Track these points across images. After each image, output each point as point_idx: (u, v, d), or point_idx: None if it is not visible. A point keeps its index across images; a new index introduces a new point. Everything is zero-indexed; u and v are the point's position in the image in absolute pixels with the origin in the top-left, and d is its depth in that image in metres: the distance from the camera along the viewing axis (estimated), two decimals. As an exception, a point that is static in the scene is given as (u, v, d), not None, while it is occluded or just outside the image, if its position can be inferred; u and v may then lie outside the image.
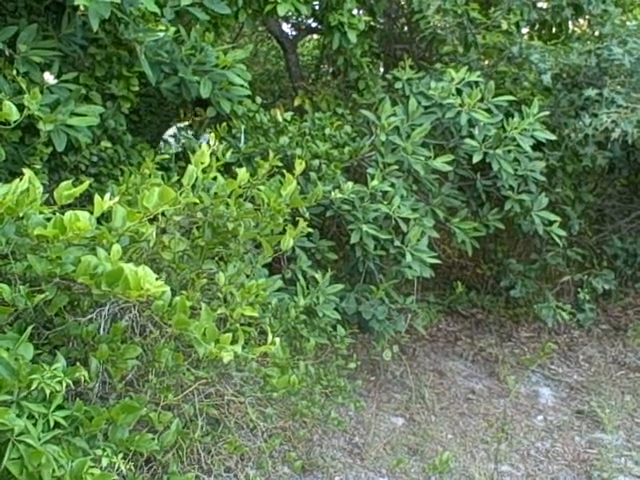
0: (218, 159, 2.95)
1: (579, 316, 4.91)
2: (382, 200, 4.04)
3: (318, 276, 3.57)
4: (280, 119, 4.36)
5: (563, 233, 4.50)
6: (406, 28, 6.80)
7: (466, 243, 4.42)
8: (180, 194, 2.69)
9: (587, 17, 5.30)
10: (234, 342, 2.34)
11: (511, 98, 4.48)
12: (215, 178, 2.87)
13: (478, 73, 4.45)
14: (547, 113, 4.45)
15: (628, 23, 5.16)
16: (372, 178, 4.03)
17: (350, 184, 3.84)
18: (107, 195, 2.26)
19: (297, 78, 6.49)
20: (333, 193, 3.49)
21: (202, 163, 2.59)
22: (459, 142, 4.33)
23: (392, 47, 6.64)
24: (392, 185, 4.07)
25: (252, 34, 8.45)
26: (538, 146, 4.60)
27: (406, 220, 4.04)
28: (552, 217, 4.48)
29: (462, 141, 4.29)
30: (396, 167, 4.14)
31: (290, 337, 3.49)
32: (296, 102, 5.36)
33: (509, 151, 4.25)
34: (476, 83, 4.40)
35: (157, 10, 3.38)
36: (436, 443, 3.91)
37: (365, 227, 3.92)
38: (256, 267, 3.25)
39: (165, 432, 2.52)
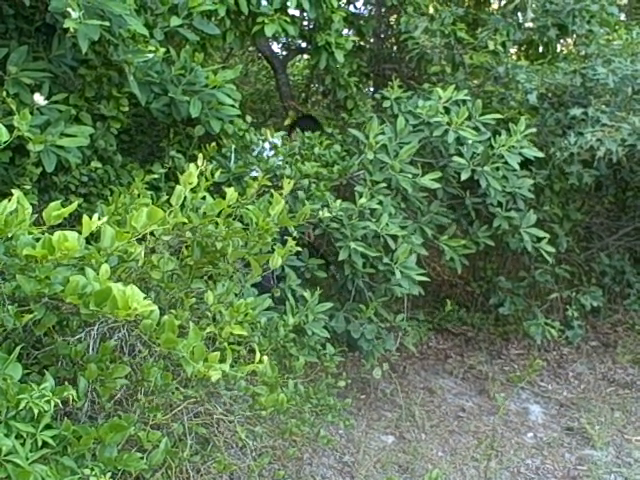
0: (207, 179, 2.97)
1: (568, 333, 4.94)
2: (370, 218, 4.05)
3: (307, 294, 3.59)
4: (270, 139, 4.39)
5: (552, 249, 4.52)
6: (395, 48, 6.89)
7: (455, 261, 4.43)
8: (169, 214, 2.72)
9: (573, 37, 5.38)
10: (222, 361, 2.35)
11: (498, 116, 4.53)
12: (204, 198, 2.89)
13: (465, 92, 4.50)
14: (534, 130, 4.48)
15: (615, 42, 5.24)
16: (360, 196, 4.04)
17: (338, 202, 3.86)
18: (95, 215, 2.27)
19: (287, 98, 6.54)
20: (321, 212, 3.50)
21: (190, 183, 2.61)
22: (447, 160, 4.36)
23: (381, 67, 6.72)
24: (380, 203, 4.07)
25: (242, 54, 8.53)
26: (525, 164, 4.65)
27: (394, 237, 4.04)
28: (541, 234, 4.50)
29: (450, 159, 4.31)
30: (384, 185, 4.15)
31: (280, 356, 3.49)
32: (286, 122, 5.40)
33: (497, 168, 4.27)
34: (463, 102, 4.45)
35: (146, 32, 3.41)
36: (426, 461, 3.92)
37: (353, 244, 3.93)
38: (245, 286, 3.26)
39: (154, 451, 2.52)
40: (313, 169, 4.05)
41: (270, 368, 2.97)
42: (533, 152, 4.40)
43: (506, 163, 4.27)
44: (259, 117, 7.20)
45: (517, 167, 4.30)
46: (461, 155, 4.29)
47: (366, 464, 3.81)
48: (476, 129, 4.35)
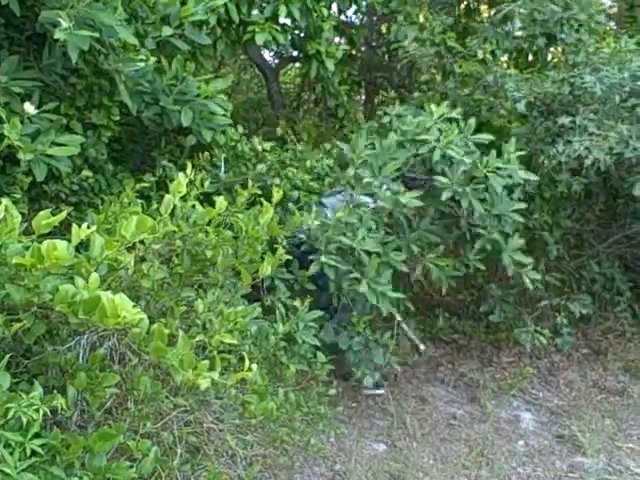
0: (197, 188, 2.99)
1: (557, 340, 4.95)
2: (346, 232, 3.96)
3: (297, 303, 3.60)
4: (259, 148, 4.40)
5: (537, 277, 4.41)
6: (386, 57, 6.93)
7: (442, 280, 4.36)
8: (158, 223, 2.73)
9: (561, 46, 5.41)
10: (211, 369, 2.36)
11: (489, 137, 4.37)
12: (194, 206, 2.90)
13: (459, 110, 4.43)
14: (521, 153, 4.38)
15: (605, 51, 5.27)
16: (339, 210, 3.99)
17: (314, 215, 3.79)
18: (84, 224, 2.28)
19: (279, 106, 6.58)
20: (310, 222, 3.52)
21: (179, 192, 2.62)
22: (432, 179, 4.25)
23: (372, 75, 6.77)
24: (360, 218, 4.01)
25: (234, 63, 8.55)
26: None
27: (369, 253, 3.96)
28: (525, 260, 4.36)
29: (434, 178, 4.19)
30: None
31: (270, 364, 3.50)
32: (279, 131, 5.42)
33: (484, 189, 4.16)
34: (456, 120, 4.36)
35: (136, 42, 3.43)
36: (417, 469, 3.92)
37: (324, 258, 3.84)
38: (235, 295, 3.27)
39: (143, 460, 2.52)
40: (305, 178, 4.06)
41: (260, 376, 2.98)
42: (522, 174, 4.28)
43: (491, 185, 4.14)
44: (251, 126, 7.21)
45: (499, 190, 4.15)
46: (445, 174, 4.16)
47: (357, 473, 3.81)
48: (467, 147, 4.25)
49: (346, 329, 4.16)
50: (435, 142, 4.16)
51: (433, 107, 4.37)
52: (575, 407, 4.70)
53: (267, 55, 7.03)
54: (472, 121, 4.36)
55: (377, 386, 4.56)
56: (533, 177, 4.34)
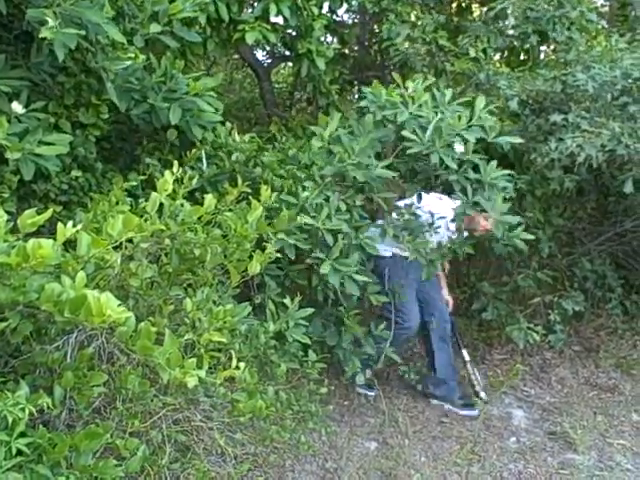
0: (185, 186, 2.98)
1: (550, 337, 4.95)
2: (310, 212, 3.81)
3: (287, 301, 3.58)
4: (237, 139, 4.34)
5: (530, 237, 4.19)
6: (379, 55, 6.92)
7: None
8: (146, 221, 2.72)
9: (553, 44, 5.41)
10: (199, 367, 2.35)
11: (466, 99, 4.14)
12: (182, 205, 2.89)
13: (433, 79, 4.28)
14: (493, 107, 4.19)
15: (597, 49, 5.27)
16: (304, 190, 3.86)
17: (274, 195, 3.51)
18: (69, 223, 2.27)
19: (271, 105, 6.56)
20: (299, 218, 3.49)
21: (165, 190, 2.61)
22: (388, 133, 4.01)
23: (364, 74, 6.74)
24: (327, 198, 3.88)
25: (227, 62, 8.54)
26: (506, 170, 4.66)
27: (334, 233, 3.82)
28: (513, 220, 4.02)
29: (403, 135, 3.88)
30: (330, 179, 3.94)
31: (261, 363, 3.49)
32: (272, 129, 5.41)
33: (449, 145, 3.84)
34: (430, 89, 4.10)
35: (124, 39, 3.41)
36: (409, 467, 3.92)
37: (282, 235, 3.60)
38: (225, 293, 3.26)
39: (131, 459, 2.51)
40: (289, 171, 4.00)
41: (249, 375, 2.97)
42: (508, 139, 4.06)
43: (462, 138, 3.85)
44: (244, 125, 7.20)
45: (472, 140, 3.87)
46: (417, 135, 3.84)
47: (349, 470, 3.81)
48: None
49: (335, 324, 4.14)
50: (403, 106, 3.94)
51: (409, 83, 4.13)
52: (567, 404, 4.71)
53: (260, 54, 7.03)
54: (449, 91, 4.11)
55: (370, 387, 4.60)
56: (518, 140, 4.17)
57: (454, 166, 3.80)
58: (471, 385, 4.70)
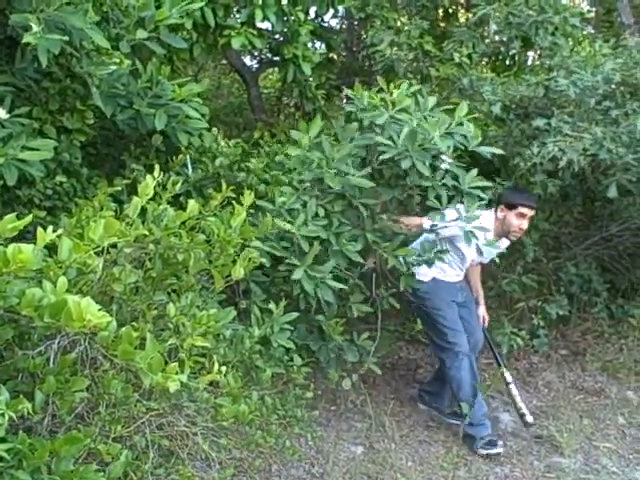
0: (169, 191, 2.98)
1: (534, 342, 4.98)
2: (286, 218, 3.75)
3: (272, 306, 3.58)
4: (222, 143, 4.36)
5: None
6: (366, 61, 6.96)
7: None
8: (129, 226, 2.72)
9: (537, 49, 5.46)
10: (181, 372, 2.35)
11: (449, 107, 4.05)
12: (165, 210, 2.89)
13: (419, 86, 4.27)
14: (476, 116, 4.21)
15: (583, 54, 5.31)
16: (281, 195, 3.81)
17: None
18: (50, 228, 2.26)
19: (259, 111, 6.58)
20: (282, 224, 3.49)
21: (147, 195, 2.62)
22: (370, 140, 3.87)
23: (352, 79, 6.76)
24: (304, 204, 3.82)
25: (215, 67, 8.56)
26: (491, 175, 4.69)
27: (311, 239, 3.76)
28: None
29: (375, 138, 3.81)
30: (309, 184, 3.88)
31: (246, 368, 3.48)
32: (256, 134, 5.43)
33: (425, 149, 3.74)
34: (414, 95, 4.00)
35: (107, 45, 3.41)
36: (395, 471, 3.92)
37: (257, 242, 3.50)
38: (210, 298, 3.26)
39: (113, 464, 2.50)
40: (274, 177, 4.00)
41: (233, 379, 2.97)
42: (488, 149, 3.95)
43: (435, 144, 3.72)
44: (233, 130, 7.21)
45: (444, 149, 3.75)
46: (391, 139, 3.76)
47: (335, 475, 3.81)
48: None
49: (319, 330, 4.12)
50: (384, 109, 3.84)
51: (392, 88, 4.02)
52: (553, 407, 4.73)
53: (248, 60, 7.05)
54: (433, 99, 4.03)
55: (457, 416, 4.40)
56: (498, 151, 4.04)
57: (426, 172, 3.70)
58: (516, 408, 4.41)
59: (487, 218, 4.17)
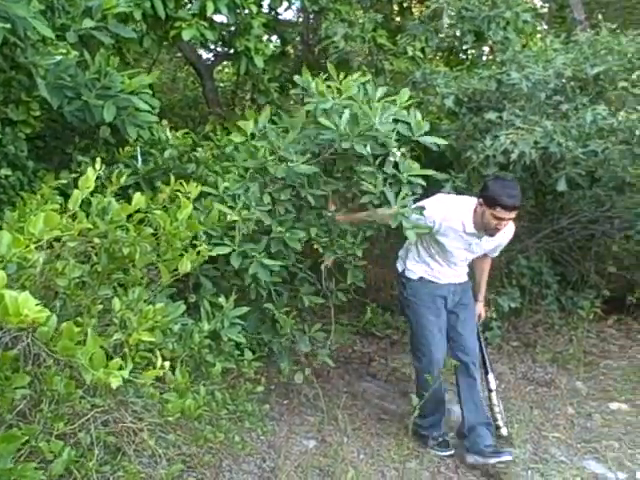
0: (113, 183, 2.93)
1: (487, 334, 5.02)
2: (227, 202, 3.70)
3: (222, 300, 3.56)
4: (169, 134, 4.30)
5: None
6: (322, 54, 6.93)
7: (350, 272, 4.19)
8: (73, 220, 2.67)
9: (490, 44, 5.50)
10: (123, 367, 2.31)
11: (393, 97, 3.88)
12: (109, 203, 2.84)
13: (369, 77, 4.27)
14: (414, 101, 4.01)
15: (534, 48, 5.37)
16: (224, 181, 3.77)
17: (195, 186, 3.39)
18: (-14, 221, 2.21)
19: (214, 104, 6.52)
20: (229, 216, 3.44)
21: (88, 187, 2.57)
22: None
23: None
24: (247, 189, 3.75)
25: (170, 60, 8.47)
26: (445, 168, 4.72)
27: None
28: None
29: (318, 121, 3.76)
30: (252, 171, 3.83)
31: (196, 363, 3.45)
32: (207, 128, 5.38)
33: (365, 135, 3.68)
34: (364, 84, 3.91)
35: (52, 35, 3.34)
36: (347, 464, 3.92)
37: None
38: (160, 293, 3.22)
39: (55, 461, 2.46)
40: (223, 168, 3.96)
41: (180, 374, 2.94)
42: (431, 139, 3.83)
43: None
44: (188, 123, 7.15)
45: (394, 143, 3.67)
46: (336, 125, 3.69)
47: (286, 469, 3.80)
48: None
49: (271, 320, 4.11)
50: (332, 98, 3.77)
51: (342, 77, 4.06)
52: (504, 399, 4.76)
53: (204, 53, 6.98)
54: (382, 89, 3.93)
55: (443, 447, 4.22)
56: (442, 142, 3.89)
57: (364, 152, 3.60)
58: (493, 417, 4.20)
59: (467, 205, 3.96)
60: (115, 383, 2.26)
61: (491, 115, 4.61)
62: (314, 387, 4.55)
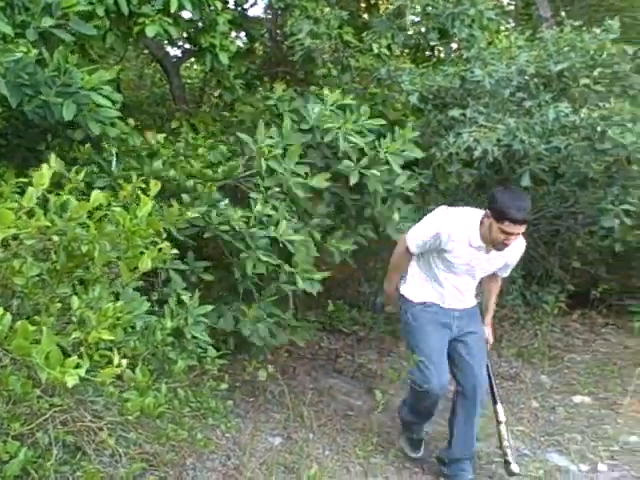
0: (72, 181, 2.91)
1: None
2: (266, 224, 3.97)
3: (186, 297, 3.54)
4: (153, 142, 4.32)
5: None
6: (289, 51, 6.92)
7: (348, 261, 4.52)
8: (30, 217, 2.65)
9: (455, 41, 5.53)
10: (80, 366, 2.30)
11: (382, 122, 4.40)
12: (67, 200, 2.82)
13: (352, 96, 4.51)
14: (417, 133, 4.44)
15: (499, 46, 5.40)
16: (255, 203, 3.97)
17: (239, 211, 3.87)
18: None
19: (181, 101, 6.49)
20: (211, 215, 3.47)
21: (42, 185, 2.55)
22: (334, 163, 4.34)
23: (275, 70, 6.74)
24: (275, 208, 4.00)
25: (137, 57, 8.40)
26: (410, 165, 4.74)
27: (292, 242, 3.98)
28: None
29: (339, 162, 4.27)
30: (277, 190, 4.09)
31: (159, 360, 3.44)
32: (173, 124, 5.35)
33: (382, 171, 4.26)
34: (349, 106, 4.42)
35: (10, 31, 3.31)
36: (312, 460, 3.93)
37: (259, 254, 3.87)
38: (123, 291, 3.20)
39: (10, 462, 2.43)
40: (198, 166, 3.97)
41: (141, 372, 2.93)
42: (416, 153, 4.39)
43: (389, 166, 4.26)
44: (156, 120, 7.11)
45: (400, 170, 4.29)
46: (349, 158, 4.22)
47: (251, 466, 3.80)
48: (360, 133, 4.26)
49: (245, 316, 4.13)
50: (337, 129, 4.17)
51: (326, 91, 4.41)
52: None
53: (171, 50, 6.93)
54: (366, 108, 4.35)
55: (414, 448, 4.22)
56: (421, 154, 4.43)
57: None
58: (502, 453, 3.94)
59: (472, 217, 3.70)
60: (71, 382, 2.24)
61: (455, 112, 4.64)
62: (280, 384, 4.56)
